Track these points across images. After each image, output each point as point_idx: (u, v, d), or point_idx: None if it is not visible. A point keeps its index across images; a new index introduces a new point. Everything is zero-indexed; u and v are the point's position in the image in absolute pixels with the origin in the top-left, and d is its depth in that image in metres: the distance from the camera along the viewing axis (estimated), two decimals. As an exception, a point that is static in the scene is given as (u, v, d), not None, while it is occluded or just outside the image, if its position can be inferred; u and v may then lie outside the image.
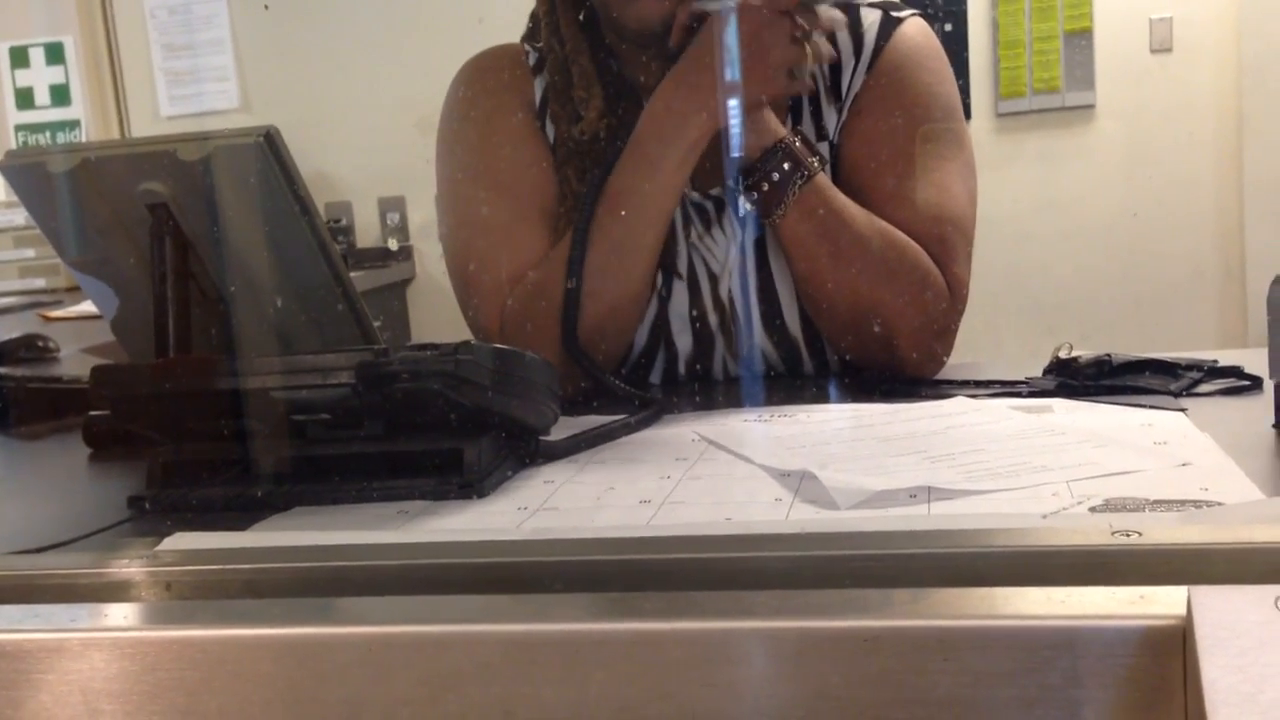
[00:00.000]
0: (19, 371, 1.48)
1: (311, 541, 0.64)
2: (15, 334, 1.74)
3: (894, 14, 1.19)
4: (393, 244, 3.69)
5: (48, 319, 2.57)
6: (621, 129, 1.13)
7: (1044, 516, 0.62)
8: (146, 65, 3.83)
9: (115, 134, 3.81)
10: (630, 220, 1.10)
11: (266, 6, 3.66)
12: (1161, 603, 0.43)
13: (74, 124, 3.84)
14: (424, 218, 3.64)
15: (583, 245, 1.10)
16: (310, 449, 0.80)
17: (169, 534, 0.67)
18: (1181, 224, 4.12)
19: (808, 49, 1.07)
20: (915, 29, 1.19)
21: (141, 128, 3.82)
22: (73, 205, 1.00)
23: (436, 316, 3.61)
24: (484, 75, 1.26)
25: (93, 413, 1.05)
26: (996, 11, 4.17)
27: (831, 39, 1.18)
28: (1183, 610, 0.42)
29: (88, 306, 2.32)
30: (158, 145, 0.95)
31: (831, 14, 1.11)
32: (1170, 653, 0.42)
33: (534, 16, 1.27)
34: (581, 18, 1.20)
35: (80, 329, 2.29)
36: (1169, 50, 4.08)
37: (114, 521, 0.77)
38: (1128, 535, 0.48)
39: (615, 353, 1.15)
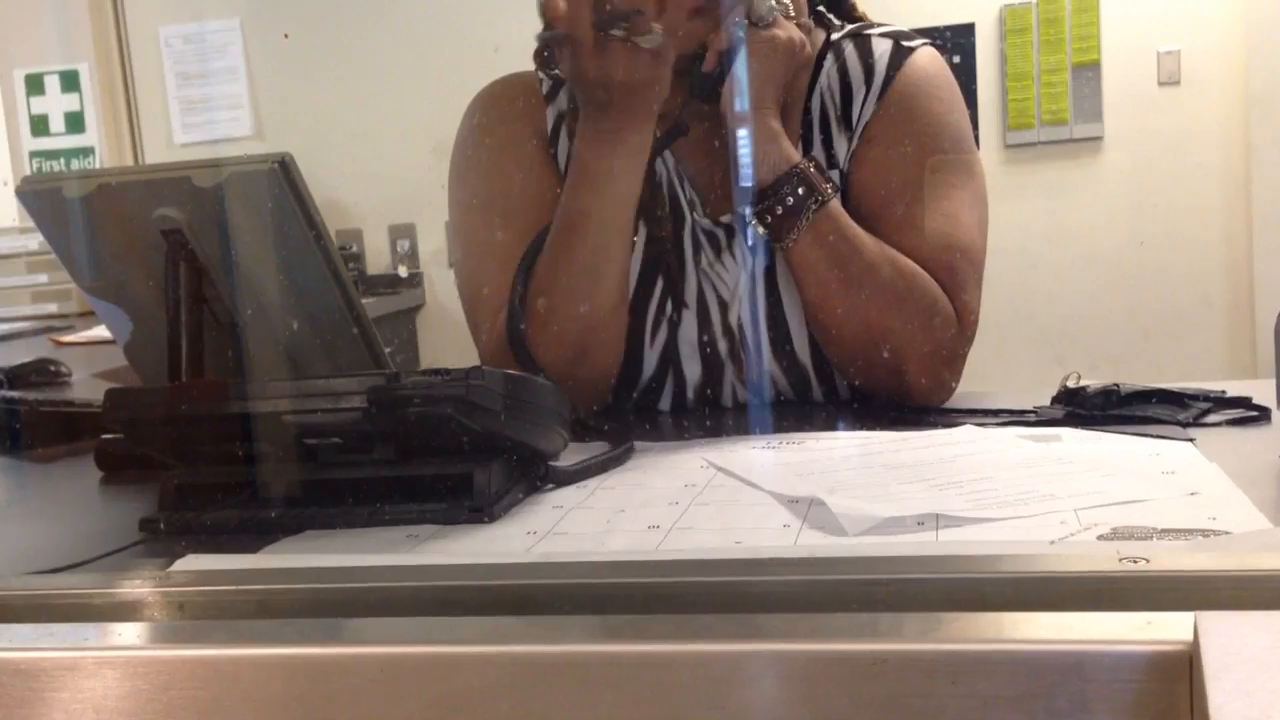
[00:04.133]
0: (31, 395, 1.49)
1: (323, 563, 0.64)
2: (27, 359, 1.75)
3: (905, 43, 1.20)
4: (403, 271, 3.71)
5: (59, 344, 2.59)
6: None
7: (1051, 543, 0.62)
8: (161, 93, 3.86)
9: (129, 161, 3.84)
10: (586, 236, 1.10)
11: (287, 36, 3.69)
12: (1168, 628, 0.43)
13: (88, 151, 3.87)
14: (434, 245, 3.66)
15: (529, 265, 1.11)
16: (321, 473, 0.80)
17: (181, 556, 0.68)
18: (1189, 255, 4.12)
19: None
20: (926, 58, 1.20)
21: (155, 155, 3.84)
22: (88, 230, 1.01)
23: (446, 343, 3.62)
24: (497, 103, 1.27)
25: (105, 436, 1.06)
26: (1005, 44, 4.19)
27: (843, 68, 1.19)
28: (1189, 636, 0.42)
29: (99, 332, 2.33)
30: (174, 171, 0.96)
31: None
32: (1177, 678, 0.42)
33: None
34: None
35: (92, 354, 2.30)
36: (1177, 83, 4.10)
37: (127, 543, 0.78)
38: (1135, 562, 0.48)
39: (603, 370, 1.15)
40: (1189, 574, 0.47)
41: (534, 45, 1.31)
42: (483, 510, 0.77)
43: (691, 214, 1.20)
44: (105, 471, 1.05)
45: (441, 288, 3.69)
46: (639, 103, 1.06)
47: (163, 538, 0.80)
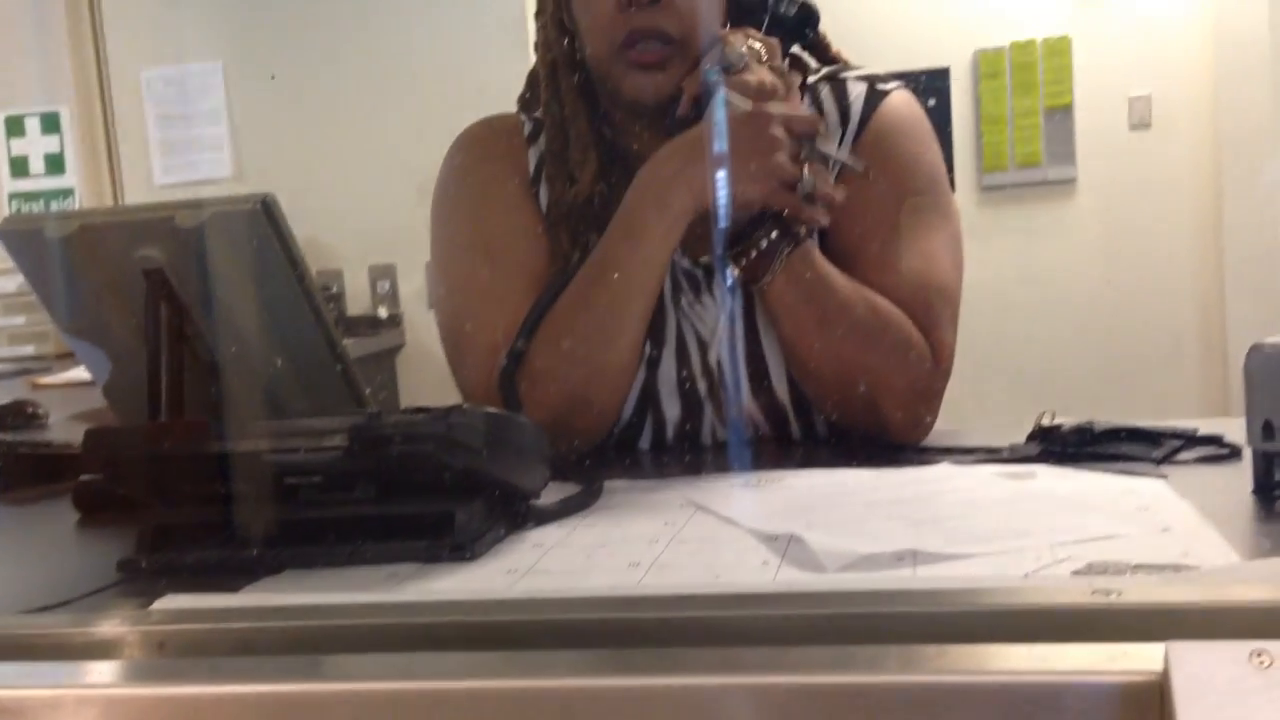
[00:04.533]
0: (8, 438, 1.48)
1: (304, 601, 0.64)
2: (4, 400, 1.74)
3: (879, 86, 1.22)
4: (383, 312, 3.71)
5: (37, 386, 2.58)
6: (615, 195, 1.15)
7: (1025, 575, 0.63)
8: (141, 135, 3.87)
9: (109, 202, 3.84)
10: (616, 287, 1.11)
11: (273, 77, 3.71)
12: (1140, 659, 0.44)
13: (68, 192, 3.87)
14: (415, 286, 3.66)
15: (542, 310, 1.12)
16: (302, 512, 0.80)
17: (161, 595, 0.68)
18: (1163, 296, 4.18)
19: (805, 175, 1.08)
20: (901, 101, 1.22)
21: (135, 196, 3.85)
22: (69, 271, 1.01)
23: (426, 384, 3.62)
24: (479, 144, 1.28)
25: (84, 477, 1.06)
26: (979, 87, 4.26)
27: (819, 110, 1.21)
28: (1160, 666, 0.43)
29: (78, 373, 2.32)
30: (156, 212, 0.97)
31: (828, 181, 1.11)
32: (1149, 707, 0.42)
33: (532, 81, 1.30)
34: (580, 84, 1.23)
35: (70, 396, 2.29)
36: (1148, 126, 4.17)
37: (106, 584, 0.77)
38: (1107, 594, 0.49)
39: (599, 423, 1.16)
40: (1160, 606, 0.48)
41: (516, 87, 1.33)
42: (463, 548, 0.77)
43: (672, 255, 1.21)
44: (83, 513, 1.04)
45: (421, 329, 3.70)
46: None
47: (142, 578, 0.80)
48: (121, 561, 0.81)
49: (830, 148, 1.11)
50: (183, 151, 3.83)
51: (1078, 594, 0.50)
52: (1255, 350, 0.82)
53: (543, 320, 1.13)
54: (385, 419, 0.77)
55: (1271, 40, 3.95)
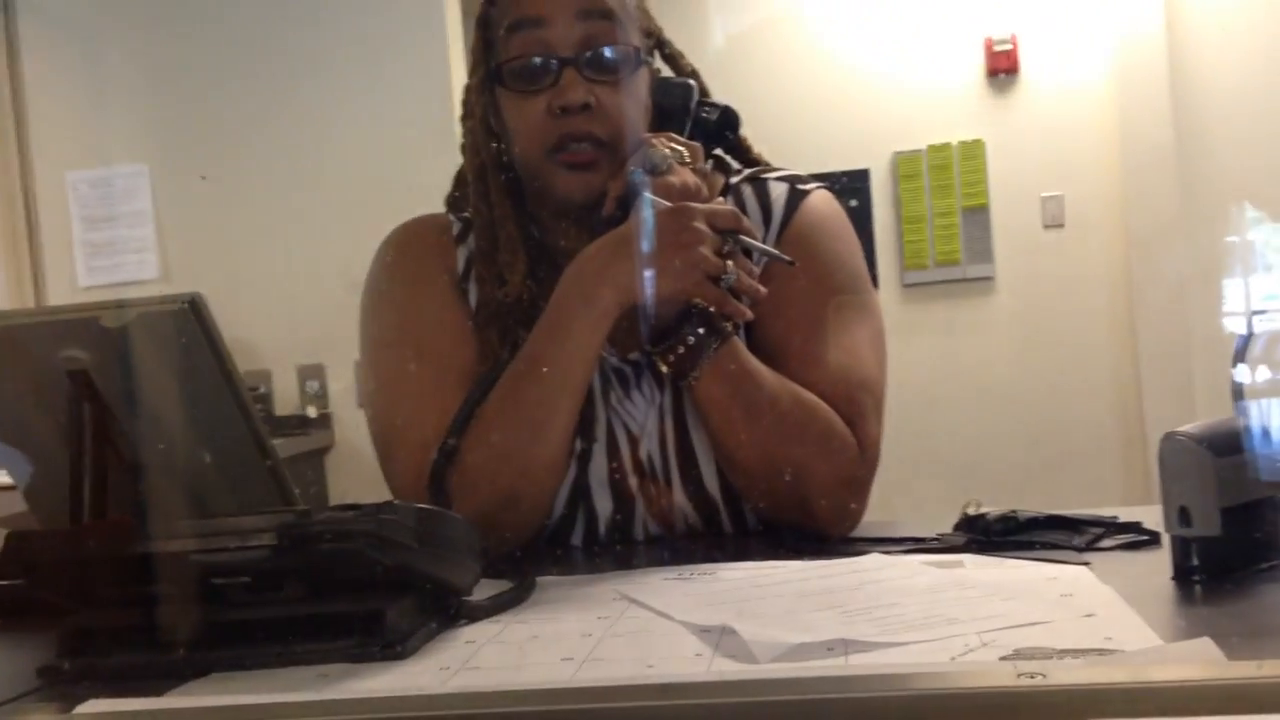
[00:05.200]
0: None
1: (230, 702, 0.63)
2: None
3: (800, 186, 1.26)
4: (312, 411, 3.67)
5: (-50, 491, 2.50)
6: (543, 294, 1.17)
7: (952, 659, 0.64)
8: (65, 237, 3.84)
9: (31, 304, 3.78)
10: (544, 384, 1.12)
11: (204, 178, 3.70)
12: (1066, 739, 0.45)
13: (-13, 294, 3.82)
14: (344, 385, 3.64)
15: (472, 406, 1.13)
16: (229, 613, 0.79)
17: (83, 700, 0.66)
18: (1082, 387, 4.27)
19: (729, 267, 1.10)
20: (820, 200, 1.26)
21: (58, 298, 3.79)
22: (-9, 373, 0.99)
23: (356, 483, 3.57)
24: (408, 243, 1.30)
25: (1, 582, 1.03)
26: (898, 188, 4.38)
27: (742, 210, 1.24)
28: (1085, 745, 0.44)
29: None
30: (81, 313, 0.96)
31: (750, 270, 1.14)
32: (1075, 786, 0.43)
33: (459, 182, 1.32)
34: (508, 184, 1.25)
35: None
36: (1061, 225, 4.31)
37: (25, 690, 0.75)
38: (1032, 677, 0.50)
39: (531, 519, 1.16)
40: (1084, 687, 0.49)
41: (441, 187, 1.35)
42: (394, 647, 0.77)
43: (599, 351, 1.22)
44: (1, 619, 1.01)
45: (350, 428, 3.66)
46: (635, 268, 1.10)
47: (64, 683, 0.78)
48: (42, 668, 0.79)
49: (754, 241, 1.14)
50: (108, 253, 3.80)
51: (1005, 677, 0.51)
52: (1168, 439, 0.85)
53: (472, 417, 1.13)
54: (314, 516, 0.77)
55: (1175, 140, 4.12)
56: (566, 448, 1.15)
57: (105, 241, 3.80)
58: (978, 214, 4.33)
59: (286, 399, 3.72)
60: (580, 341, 1.12)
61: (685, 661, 0.72)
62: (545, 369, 1.12)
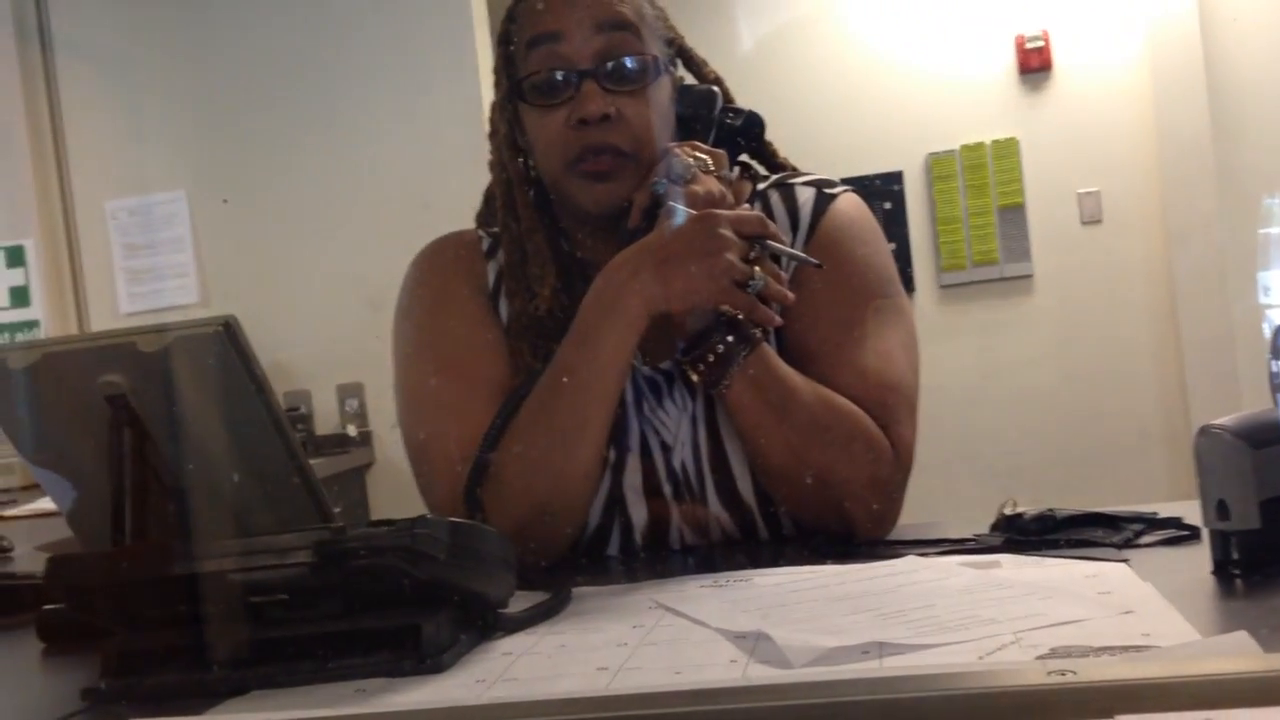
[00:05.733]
0: (-29, 571, 1.46)
1: (269, 719, 0.64)
2: (-33, 534, 1.72)
3: (827, 190, 1.26)
4: (352, 430, 3.70)
5: (3, 519, 2.54)
6: (574, 306, 1.17)
7: (980, 658, 0.63)
8: (107, 265, 3.89)
9: (74, 332, 3.84)
10: (574, 396, 1.12)
11: (225, 201, 3.75)
12: (1096, 735, 0.44)
13: (33, 324, 3.87)
14: (383, 403, 3.67)
15: (505, 419, 1.13)
16: (267, 630, 0.80)
17: (125, 720, 0.67)
18: (1125, 384, 4.23)
19: (756, 273, 1.10)
20: (848, 204, 1.26)
21: (100, 325, 3.85)
22: (33, 400, 1.01)
23: (397, 500, 3.59)
24: (439, 260, 1.31)
25: (47, 606, 1.05)
26: (932, 189, 4.35)
27: (769, 214, 1.24)
28: (1115, 741, 0.43)
29: (43, 504, 2.30)
30: (118, 338, 0.97)
31: (778, 275, 1.14)
32: (1105, 781, 0.43)
33: (488, 197, 1.33)
34: (535, 198, 1.26)
35: (35, 527, 2.26)
36: (1099, 221, 4.26)
37: (70, 712, 0.76)
38: (1063, 675, 0.50)
39: (565, 530, 1.16)
40: (1115, 683, 0.49)
41: (461, 201, 1.36)
42: (431, 661, 0.77)
43: (632, 361, 1.22)
44: (47, 643, 1.03)
45: (390, 445, 3.69)
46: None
47: (106, 705, 0.79)
48: (85, 689, 0.80)
49: (782, 245, 1.14)
50: (148, 280, 3.85)
51: (1035, 675, 0.51)
52: (1204, 432, 0.84)
53: (505, 431, 1.14)
54: (349, 533, 0.78)
55: (1211, 131, 4.07)
56: (600, 458, 1.16)
57: (145, 268, 3.85)
58: (1014, 213, 4.29)
59: (327, 418, 3.75)
60: (610, 351, 1.12)
61: (720, 668, 0.72)
62: (576, 380, 1.12)
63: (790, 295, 1.12)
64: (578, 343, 1.13)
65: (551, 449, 1.12)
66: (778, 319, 1.12)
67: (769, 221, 1.14)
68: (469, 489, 1.12)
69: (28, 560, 1.68)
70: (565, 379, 1.13)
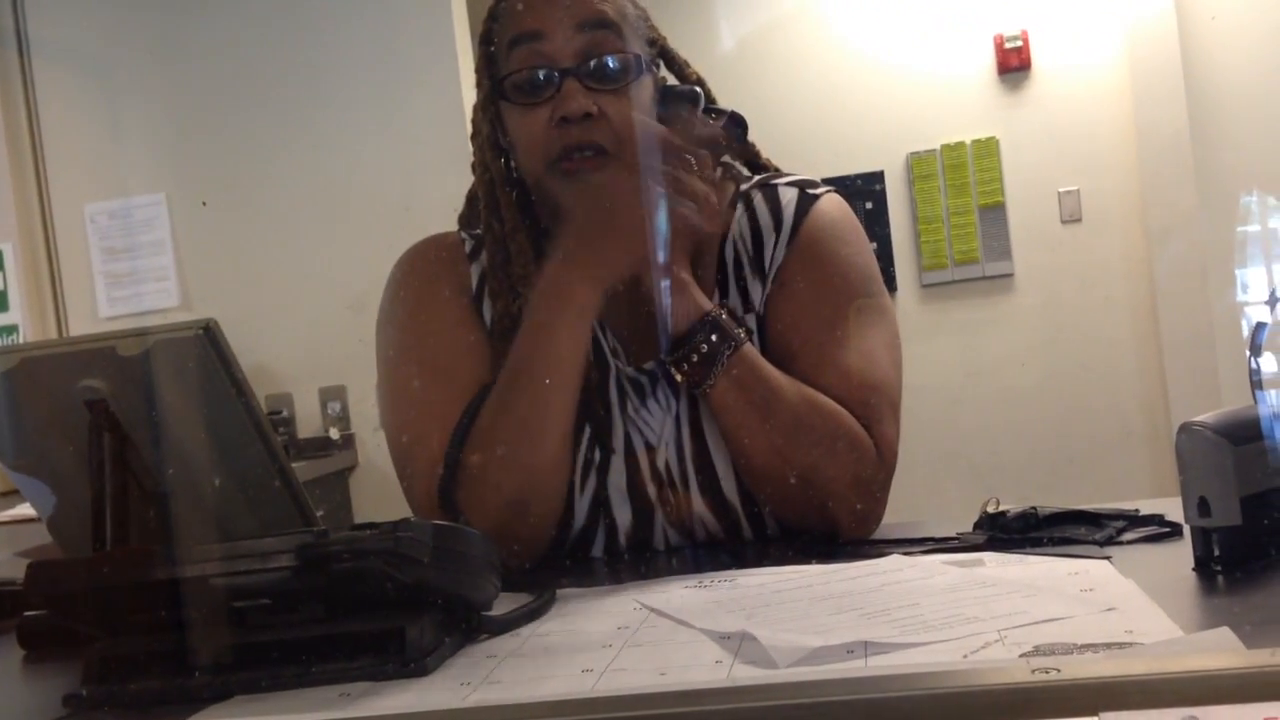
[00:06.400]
0: (-51, 578, 1.45)
1: (252, 725, 0.63)
2: (-54, 541, 1.71)
3: (810, 190, 1.26)
4: (334, 433, 3.69)
5: (-20, 525, 2.52)
6: None
7: (965, 656, 0.64)
8: (86, 268, 3.87)
9: (53, 336, 3.81)
10: (532, 389, 1.12)
11: (205, 204, 3.73)
12: (1079, 733, 0.45)
13: (11, 329, 3.85)
14: (366, 405, 3.66)
15: (471, 418, 1.14)
16: (250, 635, 0.80)
17: (107, 727, 0.67)
18: (1106, 381, 4.25)
19: (693, 187, 1.12)
20: (831, 204, 1.26)
21: (80, 329, 3.82)
22: (12, 405, 1.00)
23: (379, 503, 3.59)
24: (419, 263, 1.30)
25: (27, 613, 1.04)
26: (913, 189, 4.36)
27: (753, 216, 1.24)
28: (1099, 738, 0.44)
29: (22, 510, 2.28)
30: (97, 342, 0.96)
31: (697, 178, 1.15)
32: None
33: (471, 199, 1.33)
34: (518, 198, 1.25)
35: (15, 534, 2.25)
36: (1079, 220, 4.28)
37: (51, 719, 0.76)
38: (1047, 672, 0.50)
39: (543, 525, 1.16)
40: (1098, 680, 0.49)
41: (440, 204, 1.36)
42: (415, 664, 0.77)
43: (615, 362, 1.22)
44: (27, 649, 1.02)
45: (373, 448, 3.68)
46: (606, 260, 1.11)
47: (88, 712, 0.78)
48: (67, 696, 0.80)
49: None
50: (128, 283, 3.83)
51: (1019, 674, 0.51)
52: (1185, 429, 0.84)
53: (471, 430, 1.14)
54: (332, 536, 0.77)
55: (1190, 129, 4.09)
56: (567, 448, 1.16)
57: (125, 272, 3.83)
58: (994, 212, 4.31)
59: (309, 421, 3.74)
60: (563, 341, 1.12)
61: (705, 669, 0.72)
62: (532, 373, 1.12)
63: (714, 197, 1.13)
64: (530, 336, 1.13)
65: (516, 444, 1.12)
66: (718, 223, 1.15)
67: (664, 138, 1.15)
68: (441, 490, 1.12)
69: (7, 566, 1.67)
70: (521, 374, 1.13)
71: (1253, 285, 3.95)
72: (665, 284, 1.14)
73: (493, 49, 1.24)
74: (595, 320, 1.16)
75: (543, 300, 1.13)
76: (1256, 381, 0.88)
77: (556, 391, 1.13)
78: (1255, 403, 0.85)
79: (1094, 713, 0.46)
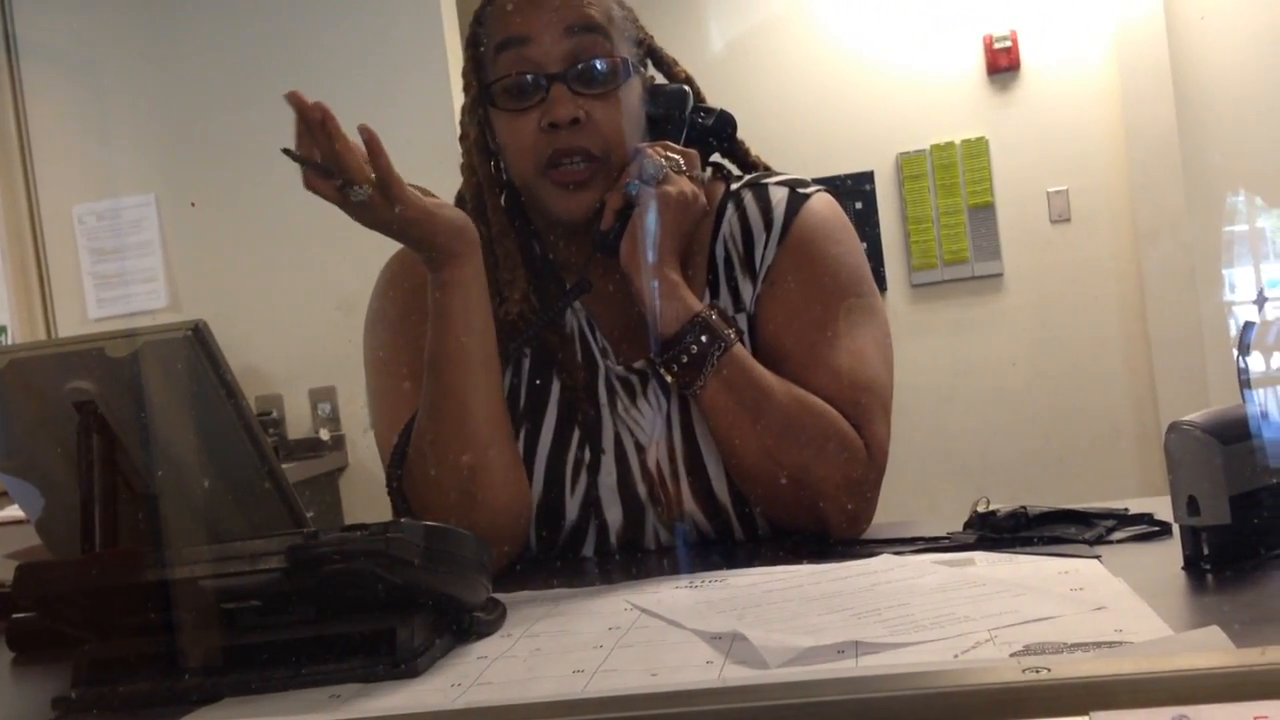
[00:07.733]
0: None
1: (242, 727, 0.63)
2: (-65, 543, 1.70)
3: (800, 190, 1.26)
4: (324, 434, 3.68)
5: (-32, 527, 2.51)
6: (546, 308, 1.17)
7: (955, 656, 0.64)
8: (74, 269, 3.86)
9: (41, 338, 3.80)
10: (448, 370, 1.12)
11: (193, 204, 3.72)
12: (1069, 732, 0.45)
13: (0, 330, 3.84)
14: (357, 406, 3.65)
15: (416, 418, 1.14)
16: (240, 637, 0.79)
17: (96, 730, 0.67)
18: (1095, 381, 4.26)
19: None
20: (821, 203, 1.26)
21: (69, 330, 3.81)
22: (1, 407, 1.00)
23: (369, 505, 3.58)
24: (405, 267, 1.30)
25: (16, 615, 1.03)
26: (903, 189, 4.37)
27: (743, 215, 1.24)
28: (1089, 737, 0.44)
29: (10, 512, 2.27)
30: (86, 344, 0.96)
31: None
32: (1078, 778, 0.43)
33: (459, 201, 1.32)
34: (506, 201, 1.25)
35: (3, 535, 2.24)
36: (1068, 220, 4.29)
37: (38, 722, 0.76)
38: (1037, 672, 0.50)
39: (501, 510, 1.14)
40: (1088, 680, 0.49)
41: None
42: (405, 665, 0.77)
43: (604, 362, 1.22)
44: (16, 651, 1.02)
45: (364, 449, 3.67)
46: (435, 245, 1.09)
47: (77, 714, 0.78)
48: (56, 698, 0.80)
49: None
50: (117, 284, 3.82)
51: (1010, 673, 0.51)
52: (1174, 429, 0.85)
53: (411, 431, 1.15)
54: (322, 537, 0.77)
55: (1179, 129, 4.11)
56: (500, 429, 1.14)
57: (114, 273, 3.82)
58: (984, 212, 4.32)
59: (299, 423, 3.73)
60: (455, 317, 1.11)
61: (696, 669, 0.72)
62: (441, 369, 1.12)
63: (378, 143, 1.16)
64: (432, 324, 1.12)
65: (444, 430, 1.12)
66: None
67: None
68: (388, 483, 1.12)
69: (-4, 568, 1.66)
70: (433, 368, 1.12)
71: (1240, 285, 3.97)
72: (655, 284, 1.14)
73: (480, 52, 1.23)
74: (569, 312, 1.17)
75: (433, 289, 1.12)
76: (1245, 381, 0.88)
77: (471, 368, 1.12)
78: (1244, 402, 0.86)
79: (1084, 712, 0.46)
